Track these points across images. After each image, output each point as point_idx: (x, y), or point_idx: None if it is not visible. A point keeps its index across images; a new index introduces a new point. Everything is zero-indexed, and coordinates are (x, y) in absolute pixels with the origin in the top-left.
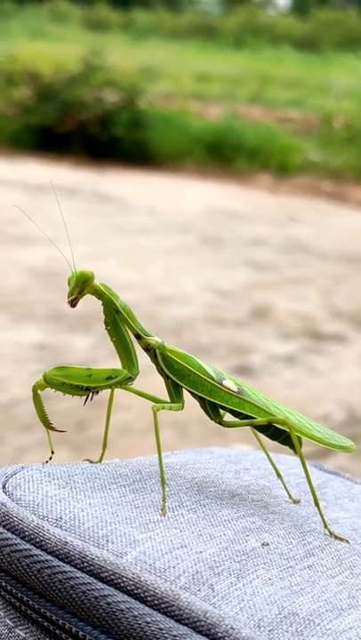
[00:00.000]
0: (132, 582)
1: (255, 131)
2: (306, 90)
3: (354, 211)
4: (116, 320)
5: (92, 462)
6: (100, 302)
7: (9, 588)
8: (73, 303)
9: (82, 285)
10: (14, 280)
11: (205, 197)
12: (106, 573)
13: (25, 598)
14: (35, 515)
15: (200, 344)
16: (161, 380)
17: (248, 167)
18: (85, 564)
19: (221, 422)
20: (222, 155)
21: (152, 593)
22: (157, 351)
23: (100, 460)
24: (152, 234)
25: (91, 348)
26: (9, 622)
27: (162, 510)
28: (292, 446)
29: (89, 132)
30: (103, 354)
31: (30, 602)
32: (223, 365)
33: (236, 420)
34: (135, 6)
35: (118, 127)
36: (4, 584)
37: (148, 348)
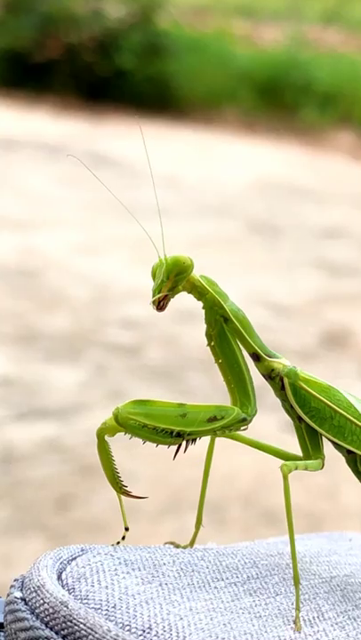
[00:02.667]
0: None
1: (331, 65)
2: None
3: None
4: (225, 331)
5: (178, 547)
6: (201, 305)
7: None
8: (160, 305)
9: (175, 278)
10: None
11: (255, 163)
12: None
13: None
14: (111, 622)
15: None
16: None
17: (320, 120)
18: None
19: None
20: (281, 100)
21: None
22: (286, 380)
23: (192, 545)
24: (174, 218)
25: (79, 387)
26: None
27: (295, 623)
28: None
29: (81, 61)
30: (97, 396)
31: None
32: (279, 418)
33: None
34: None
35: (125, 55)
36: None
37: (272, 376)
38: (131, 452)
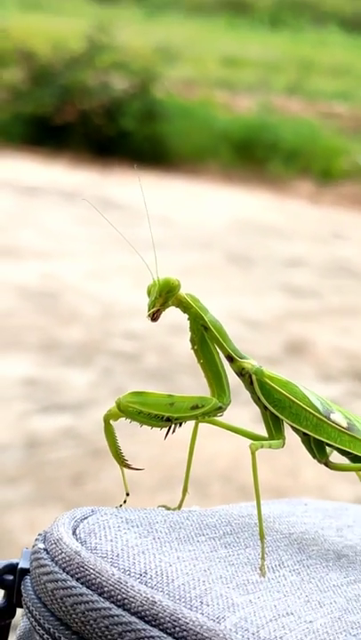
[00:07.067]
0: None
1: (294, 128)
2: (355, 80)
3: None
4: (205, 338)
5: (168, 509)
6: (186, 317)
7: None
8: (154, 316)
9: (166, 295)
10: (0, 301)
11: (233, 207)
12: None
13: None
14: (115, 567)
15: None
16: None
17: (285, 172)
18: (178, 628)
19: (328, 464)
20: (254, 156)
21: None
22: (254, 377)
23: (180, 507)
24: (167, 249)
25: (90, 386)
26: None
27: (261, 570)
28: None
29: (92, 124)
30: (105, 394)
31: None
32: (249, 412)
33: (346, 462)
34: None
35: (128, 119)
36: None
37: (242, 373)
38: (133, 439)
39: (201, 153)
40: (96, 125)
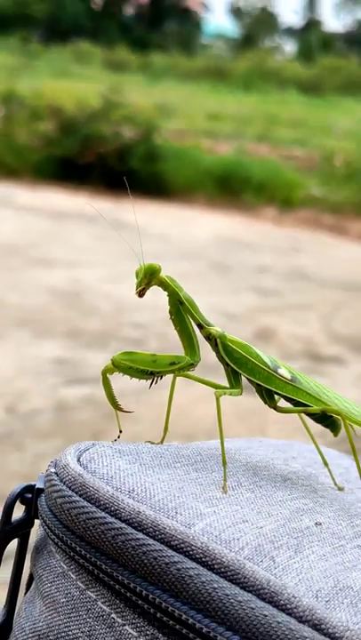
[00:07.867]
0: (200, 551)
1: (262, 166)
2: (309, 130)
3: (353, 243)
4: (180, 311)
5: (153, 443)
6: (166, 293)
7: (83, 552)
8: (141, 293)
9: (149, 277)
10: (36, 299)
11: (215, 227)
12: (176, 542)
13: (98, 562)
14: (109, 486)
15: (207, 362)
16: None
17: (255, 200)
18: (157, 532)
19: (276, 408)
20: (231, 188)
21: (219, 562)
22: (218, 340)
23: (162, 442)
24: (165, 259)
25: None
26: (80, 585)
27: (223, 488)
28: (333, 430)
29: (107, 163)
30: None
31: (103, 566)
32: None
33: (290, 406)
34: (153, 49)
35: (135, 160)
36: (78, 549)
37: (210, 337)
38: (139, 404)
39: (191, 186)
40: (110, 165)
